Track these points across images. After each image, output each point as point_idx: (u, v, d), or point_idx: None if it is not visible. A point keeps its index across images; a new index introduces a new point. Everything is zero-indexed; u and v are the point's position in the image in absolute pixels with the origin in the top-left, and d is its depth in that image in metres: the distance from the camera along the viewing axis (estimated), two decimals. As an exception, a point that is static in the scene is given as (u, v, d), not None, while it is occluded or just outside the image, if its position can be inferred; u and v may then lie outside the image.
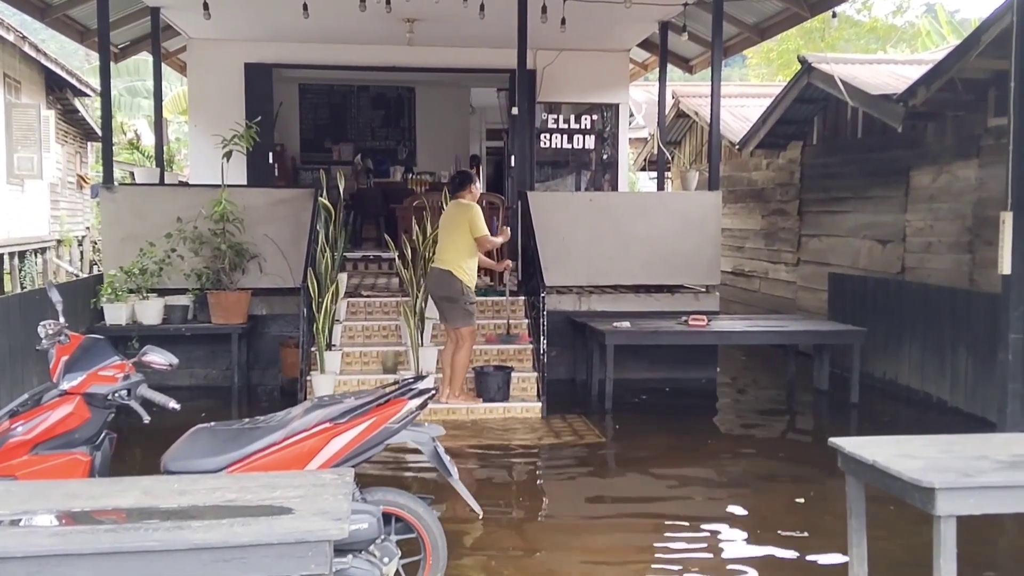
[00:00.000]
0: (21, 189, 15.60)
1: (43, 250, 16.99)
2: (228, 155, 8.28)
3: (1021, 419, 6.50)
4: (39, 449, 3.43)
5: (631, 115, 19.52)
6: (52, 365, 3.58)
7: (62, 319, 3.67)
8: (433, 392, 4.06)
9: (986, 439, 3.94)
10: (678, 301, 9.20)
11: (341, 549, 3.67)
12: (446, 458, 3.94)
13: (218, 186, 8.51)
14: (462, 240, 7.29)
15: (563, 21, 8.94)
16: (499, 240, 7.66)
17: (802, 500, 5.46)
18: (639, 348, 8.61)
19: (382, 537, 3.77)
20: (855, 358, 8.15)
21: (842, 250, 10.03)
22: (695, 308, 8.99)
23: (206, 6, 8.51)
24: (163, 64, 14.11)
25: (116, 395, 3.52)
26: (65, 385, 3.49)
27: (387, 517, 3.88)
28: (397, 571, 3.86)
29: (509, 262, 8.25)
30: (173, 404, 3.64)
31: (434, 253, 7.57)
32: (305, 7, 8.51)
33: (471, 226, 7.28)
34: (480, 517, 4.18)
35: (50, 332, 3.59)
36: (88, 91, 18.84)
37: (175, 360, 3.74)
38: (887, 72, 9.25)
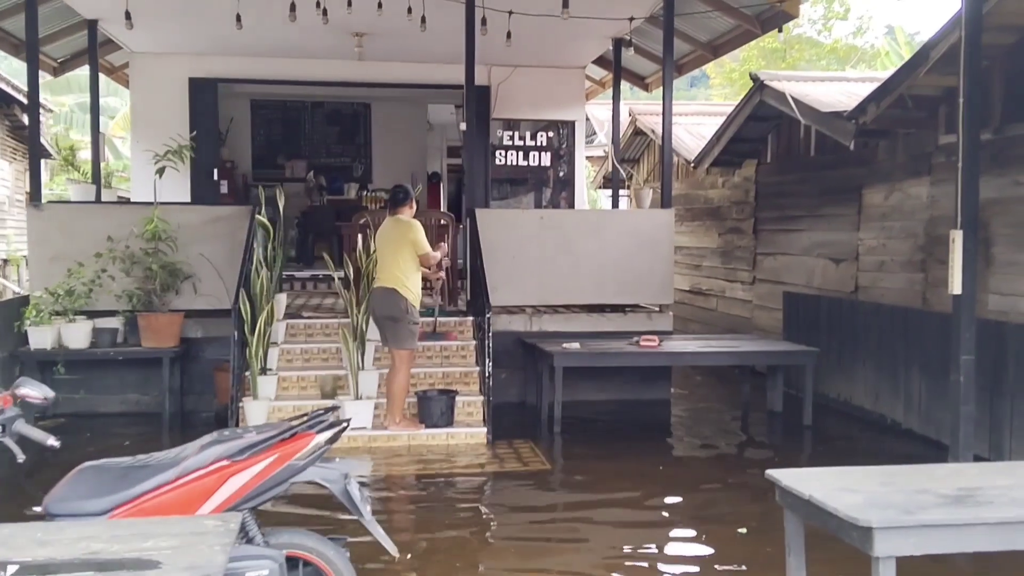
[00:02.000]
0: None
1: (-11, 270, 16.50)
2: (161, 171, 7.97)
3: (974, 442, 6.35)
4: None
5: (593, 133, 19.45)
6: (-83, 399, 3.26)
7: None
8: (345, 425, 3.78)
9: (930, 470, 3.72)
10: (631, 321, 9.00)
11: (240, 597, 3.40)
12: (358, 497, 3.65)
13: (151, 204, 8.18)
14: (404, 257, 7.06)
15: (508, 35, 8.75)
16: (439, 255, 7.42)
17: (744, 530, 5.24)
18: (591, 369, 8.39)
19: (286, 583, 3.49)
20: (808, 379, 7.98)
21: (797, 269, 9.90)
22: (649, 328, 8.80)
23: (128, 15, 8.20)
24: (111, 79, 13.86)
25: (-11, 431, 3.21)
26: (-69, 421, 3.18)
27: (295, 561, 3.61)
28: (305, 618, 3.59)
29: (442, 273, 8.04)
30: (52, 441, 3.33)
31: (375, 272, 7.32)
32: (238, 18, 8.23)
33: (414, 244, 7.07)
34: (395, 559, 3.89)
35: (-84, 363, 3.27)
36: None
37: (51, 393, 3.42)
38: (839, 90, 9.16)
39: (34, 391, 3.36)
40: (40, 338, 7.66)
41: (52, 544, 2.65)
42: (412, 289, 7.08)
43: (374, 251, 7.51)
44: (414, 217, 7.36)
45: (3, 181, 16.96)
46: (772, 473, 3.59)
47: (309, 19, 8.40)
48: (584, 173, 18.87)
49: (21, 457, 3.27)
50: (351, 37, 10.18)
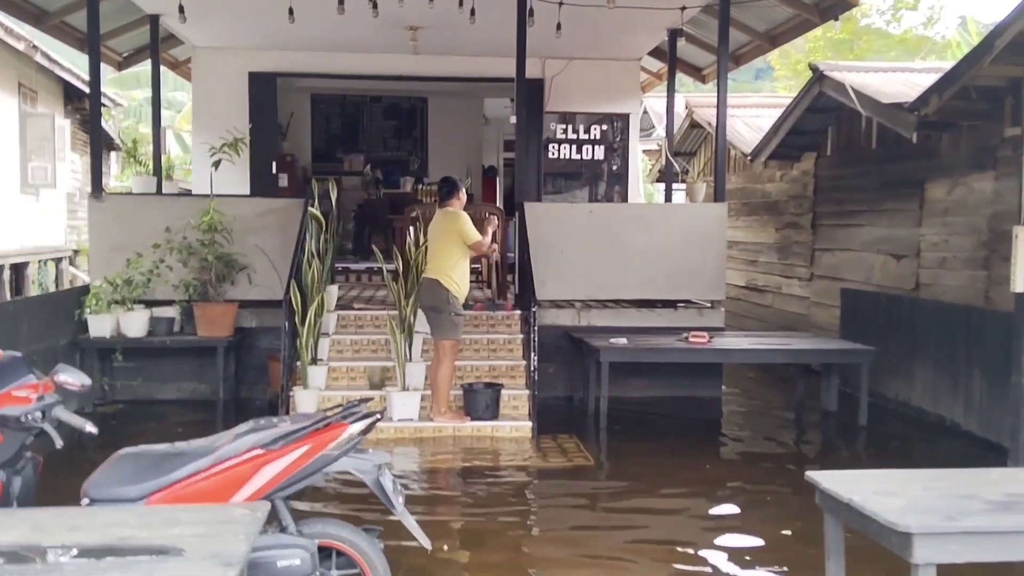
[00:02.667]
0: (36, 198, 15.60)
1: (59, 259, 17.02)
2: (217, 164, 8.12)
3: (1035, 446, 6.13)
4: (-50, 474, 3.21)
5: (651, 126, 19.26)
6: (-34, 384, 3.36)
7: (-20, 335, 3.45)
8: (378, 417, 3.80)
9: (980, 474, 3.59)
10: (681, 317, 8.89)
11: (271, 586, 3.44)
12: (390, 488, 3.66)
13: (208, 196, 8.33)
14: (450, 249, 7.09)
15: (558, 26, 8.67)
16: (490, 234, 7.37)
17: (788, 532, 5.13)
18: (640, 365, 8.28)
19: (318, 573, 3.52)
20: (863, 378, 7.78)
21: (855, 265, 9.65)
22: (699, 324, 8.67)
23: (182, 9, 8.34)
24: (175, 74, 14.17)
25: (29, 417, 3.29)
26: (-24, 406, 3.27)
27: (328, 551, 3.64)
28: (338, 608, 3.62)
29: (495, 245, 7.94)
30: (90, 428, 3.40)
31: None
32: (291, 11, 8.32)
33: (461, 234, 7.09)
34: (429, 551, 3.89)
35: (-36, 349, 3.37)
36: (107, 101, 18.90)
37: (88, 380, 3.50)
38: (902, 80, 8.88)
39: (72, 378, 3.44)
40: (99, 326, 7.87)
41: (83, 529, 2.72)
42: (456, 280, 7.09)
43: (424, 243, 7.54)
44: (464, 209, 7.37)
45: (74, 173, 17.47)
46: (812, 475, 3.50)
47: (360, 13, 8.46)
48: (640, 167, 18.75)
49: (59, 443, 3.35)
50: (405, 31, 10.23)
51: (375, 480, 3.66)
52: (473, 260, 9.55)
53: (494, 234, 7.53)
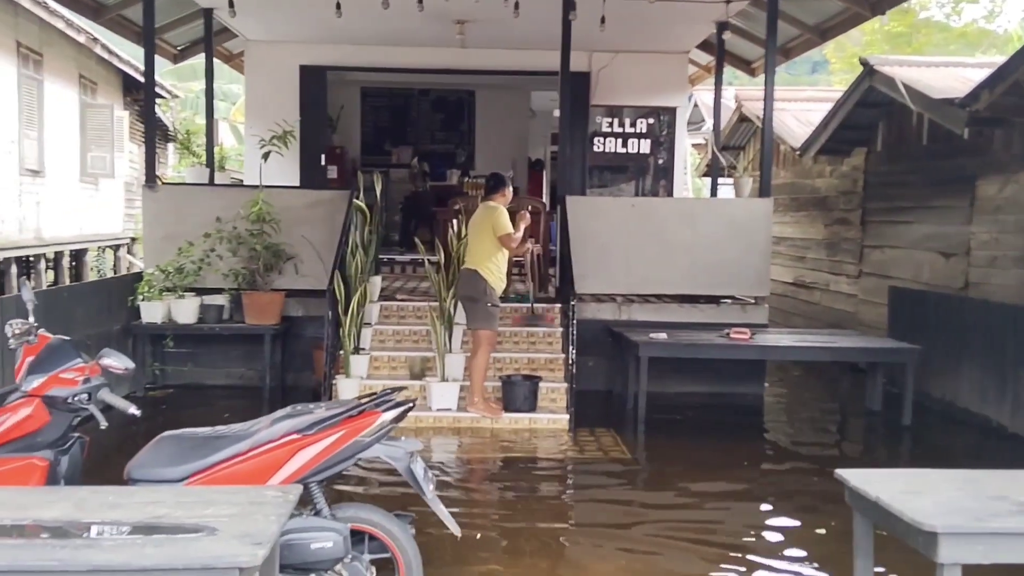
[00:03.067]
0: (96, 188, 16.04)
1: (116, 247, 17.49)
2: (266, 156, 8.28)
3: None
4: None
5: (701, 119, 19.10)
6: (17, 365, 3.51)
7: (32, 318, 3.60)
8: (411, 405, 3.88)
9: (1015, 476, 3.54)
10: (724, 313, 8.84)
11: (304, 568, 3.54)
12: (421, 475, 3.74)
13: (257, 187, 8.51)
14: (488, 241, 7.23)
15: (602, 20, 8.67)
16: (521, 229, 7.37)
17: (823, 531, 5.10)
18: (682, 361, 8.27)
19: (351, 556, 3.61)
20: (908, 378, 7.67)
21: (904, 262, 9.51)
22: (742, 320, 8.62)
23: (231, 3, 8.50)
24: (229, 67, 14.44)
25: (76, 399, 3.43)
26: (26, 387, 3.42)
27: (361, 535, 3.73)
28: (370, 592, 3.71)
29: (529, 245, 8.05)
30: (133, 410, 3.53)
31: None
32: (338, 6, 8.44)
33: (494, 226, 7.18)
34: (459, 538, 3.96)
35: (17, 331, 3.51)
36: (164, 92, 19.33)
37: (131, 364, 3.62)
38: (954, 75, 8.72)
39: (116, 362, 3.57)
40: (151, 313, 8.10)
41: (122, 507, 2.83)
42: (493, 271, 7.21)
43: (465, 235, 7.63)
44: (510, 205, 7.46)
45: (132, 163, 17.91)
46: (841, 473, 3.50)
47: (406, 6, 8.55)
48: (688, 161, 18.63)
49: (104, 424, 3.48)
50: (452, 24, 10.30)
51: (406, 467, 3.74)
52: (516, 255, 9.69)
53: (526, 229, 7.52)
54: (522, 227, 7.43)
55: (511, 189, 7.63)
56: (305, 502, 3.71)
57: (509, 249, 7.38)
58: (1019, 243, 7.64)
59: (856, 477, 3.43)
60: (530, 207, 9.77)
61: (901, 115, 9.60)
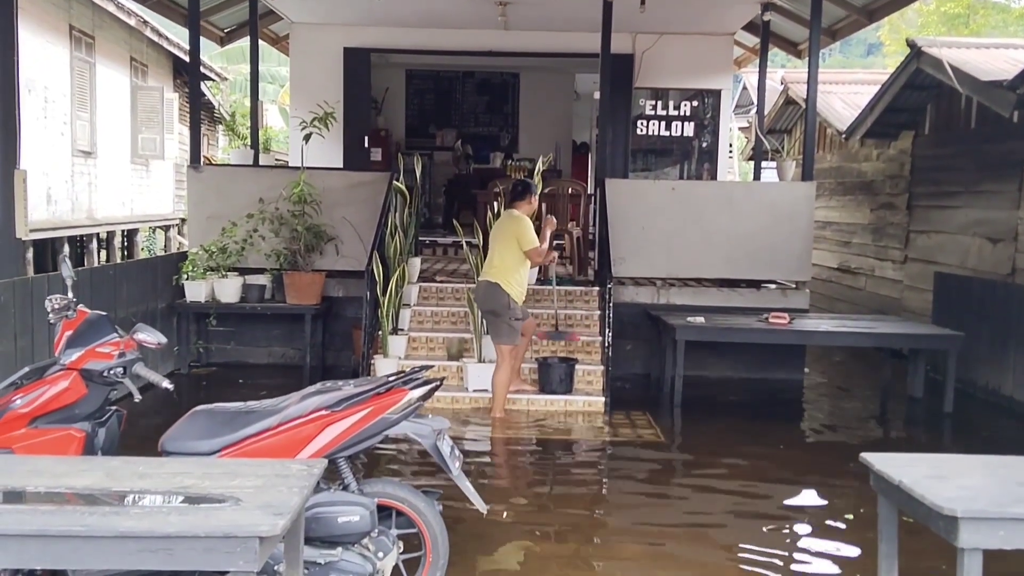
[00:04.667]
0: (146, 169, 16.39)
1: (167, 227, 17.86)
2: (307, 137, 8.38)
3: None
4: (38, 423, 3.48)
5: (750, 102, 18.85)
6: (56, 339, 3.64)
7: (71, 294, 3.71)
8: (438, 384, 3.93)
9: (1045, 463, 3.49)
10: (764, 297, 8.77)
11: (331, 541, 3.62)
12: (447, 452, 3.79)
13: (299, 168, 8.63)
14: (510, 253, 6.99)
15: (642, 1, 8.60)
16: (547, 237, 7.23)
17: (851, 516, 5.08)
18: (720, 345, 8.24)
19: (377, 531, 3.69)
20: (951, 365, 7.55)
21: (951, 248, 9.33)
22: (782, 305, 8.54)
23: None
24: (275, 49, 14.60)
25: (111, 372, 3.54)
26: (64, 360, 3.54)
27: (388, 511, 3.80)
28: (397, 566, 3.78)
29: (554, 254, 7.76)
30: (166, 384, 3.64)
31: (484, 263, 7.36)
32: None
33: (520, 240, 6.97)
34: (484, 515, 4.02)
35: (56, 306, 3.63)
36: (213, 75, 19.63)
37: (163, 339, 3.73)
38: (1005, 57, 8.50)
39: (150, 337, 3.68)
40: (195, 291, 8.27)
41: (151, 477, 2.93)
42: (515, 285, 6.97)
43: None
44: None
45: (182, 145, 18.23)
46: (866, 457, 3.48)
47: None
48: (735, 144, 18.41)
49: (137, 397, 3.60)
50: (495, 6, 10.30)
51: (433, 444, 3.80)
52: (556, 235, 9.69)
53: (552, 238, 7.39)
54: (548, 233, 7.28)
55: (537, 198, 7.42)
56: (334, 477, 3.80)
57: (535, 263, 7.23)
58: (1069, 229, 7.45)
59: (880, 461, 3.41)
60: (570, 189, 9.81)
61: (950, 98, 9.40)
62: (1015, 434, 7.15)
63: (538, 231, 7.19)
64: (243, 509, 2.64)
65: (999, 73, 7.83)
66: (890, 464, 3.38)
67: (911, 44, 9.19)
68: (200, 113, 9.51)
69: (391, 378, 3.85)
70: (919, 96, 9.83)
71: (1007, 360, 7.84)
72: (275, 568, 3.47)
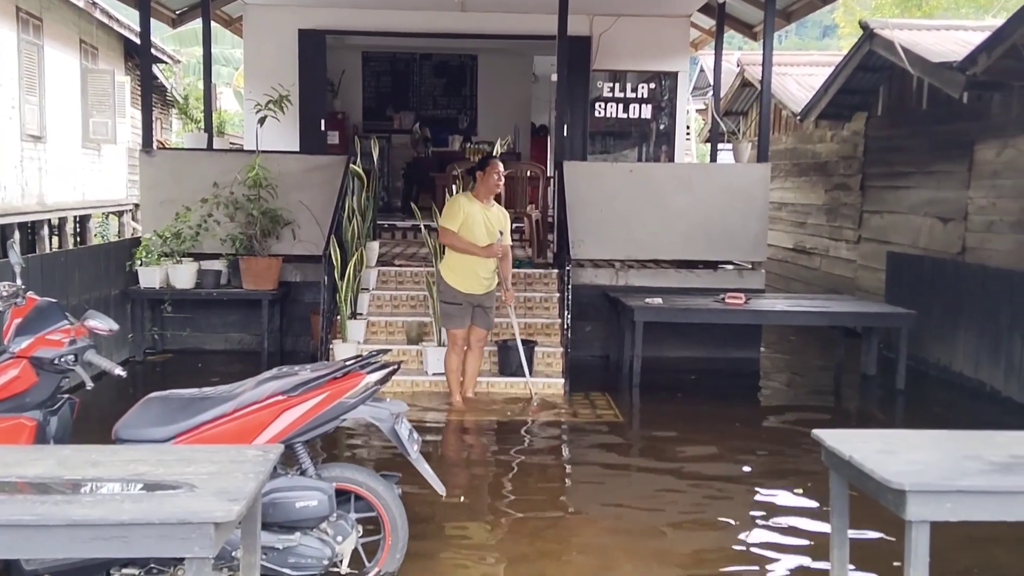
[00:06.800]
0: (98, 154, 16.07)
1: (120, 213, 17.55)
2: (262, 120, 8.27)
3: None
4: (-13, 411, 3.42)
5: (708, 85, 18.97)
6: (5, 327, 3.57)
7: (19, 281, 3.64)
8: (396, 368, 3.93)
9: (991, 436, 3.58)
10: (721, 278, 8.87)
11: (289, 526, 3.61)
12: (406, 436, 3.80)
13: (254, 152, 8.52)
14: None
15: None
16: (450, 231, 6.71)
17: (800, 491, 5.18)
18: (678, 326, 8.30)
19: (336, 515, 3.68)
20: (902, 342, 7.70)
21: (903, 228, 9.49)
22: (739, 285, 8.65)
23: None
24: (229, 31, 14.36)
25: (62, 360, 3.48)
26: (13, 348, 3.47)
27: (348, 495, 3.79)
28: (356, 549, 3.78)
29: (511, 295, 7.17)
30: (119, 371, 3.59)
31: None
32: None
33: (441, 219, 6.82)
34: (443, 497, 4.03)
35: (4, 294, 3.56)
36: (166, 58, 19.27)
37: (115, 326, 3.68)
38: (954, 39, 8.64)
39: (101, 323, 3.62)
40: (149, 278, 8.15)
41: (104, 465, 2.89)
42: (452, 269, 6.79)
43: None
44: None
45: (135, 130, 17.90)
46: (818, 433, 3.54)
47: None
48: (693, 127, 18.51)
49: (89, 384, 3.55)
50: (451, -13, 10.24)
51: (391, 428, 3.80)
52: (515, 219, 9.68)
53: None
54: (477, 250, 6.73)
55: (493, 176, 6.82)
56: (292, 462, 3.79)
57: (443, 242, 6.83)
58: (1016, 208, 7.62)
59: (831, 437, 3.47)
60: (529, 172, 9.81)
61: (901, 79, 9.54)
62: (965, 409, 7.33)
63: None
64: (198, 495, 2.62)
65: (949, 54, 7.97)
66: (841, 440, 3.44)
67: (864, 26, 9.31)
68: (152, 96, 9.34)
69: (348, 362, 3.84)
70: (872, 78, 9.96)
71: (957, 337, 8.02)
72: (233, 554, 3.45)
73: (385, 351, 4.11)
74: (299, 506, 3.57)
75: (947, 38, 8.73)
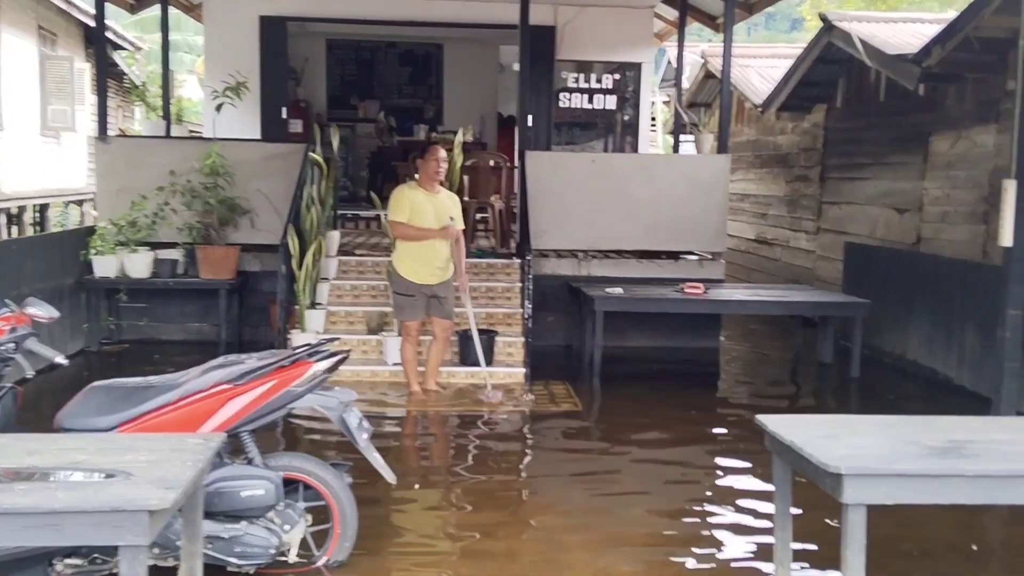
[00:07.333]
0: (58, 142, 15.81)
1: (81, 202, 17.28)
2: (219, 107, 8.19)
3: (1018, 399, 6.17)
4: (-75, 401, 3.37)
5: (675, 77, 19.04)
6: (-56, 316, 3.51)
7: (-42, 270, 3.59)
8: (345, 356, 3.92)
9: (931, 421, 3.65)
10: (682, 268, 8.92)
11: (236, 515, 3.60)
12: (354, 424, 3.79)
13: (211, 139, 8.43)
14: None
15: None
16: (399, 220, 6.67)
17: (755, 475, 5.24)
18: (640, 316, 8.36)
19: (283, 504, 3.67)
20: (857, 331, 7.81)
21: (861, 218, 9.60)
22: (700, 276, 8.71)
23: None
24: (190, 17, 14.17)
25: (2, 348, 3.43)
26: (-49, 337, 3.42)
27: (297, 484, 3.78)
28: (305, 539, 3.77)
29: (465, 282, 7.12)
30: (60, 359, 3.55)
31: None
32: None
33: (389, 213, 6.75)
34: (393, 486, 4.03)
35: (-58, 283, 3.51)
36: (127, 45, 18.98)
37: (56, 313, 3.64)
38: (912, 32, 8.73)
39: (41, 311, 3.58)
40: (104, 267, 8.04)
41: (41, 453, 2.86)
42: (403, 260, 6.75)
43: None
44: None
45: (94, 117, 17.62)
46: (761, 418, 3.59)
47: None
48: (659, 118, 18.55)
49: (30, 372, 3.50)
50: (415, -26, 10.18)
51: (339, 417, 3.79)
52: (479, 208, 9.67)
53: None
54: (432, 235, 6.71)
55: (432, 163, 6.77)
56: (238, 451, 3.77)
57: (395, 235, 6.76)
58: (969, 199, 7.73)
59: (774, 422, 3.52)
60: (492, 161, 9.79)
61: (860, 71, 9.63)
62: (917, 397, 7.45)
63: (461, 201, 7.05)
64: (134, 483, 2.60)
65: (906, 47, 8.05)
66: (783, 425, 3.49)
67: (823, 18, 9.39)
68: (107, 82, 9.21)
69: (297, 351, 3.83)
70: (832, 70, 10.05)
71: (912, 326, 8.13)
72: (177, 543, 3.43)
73: (334, 339, 4.09)
74: (245, 495, 3.56)
75: (905, 31, 8.82)
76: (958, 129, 7.89)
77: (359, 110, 15.00)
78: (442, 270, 6.82)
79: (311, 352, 3.81)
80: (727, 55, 8.76)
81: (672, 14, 12.86)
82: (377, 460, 3.88)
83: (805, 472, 3.24)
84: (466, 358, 7.50)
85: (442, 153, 6.86)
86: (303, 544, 3.74)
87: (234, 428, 3.60)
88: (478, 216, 9.76)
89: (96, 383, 3.61)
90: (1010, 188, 5.73)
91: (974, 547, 4.41)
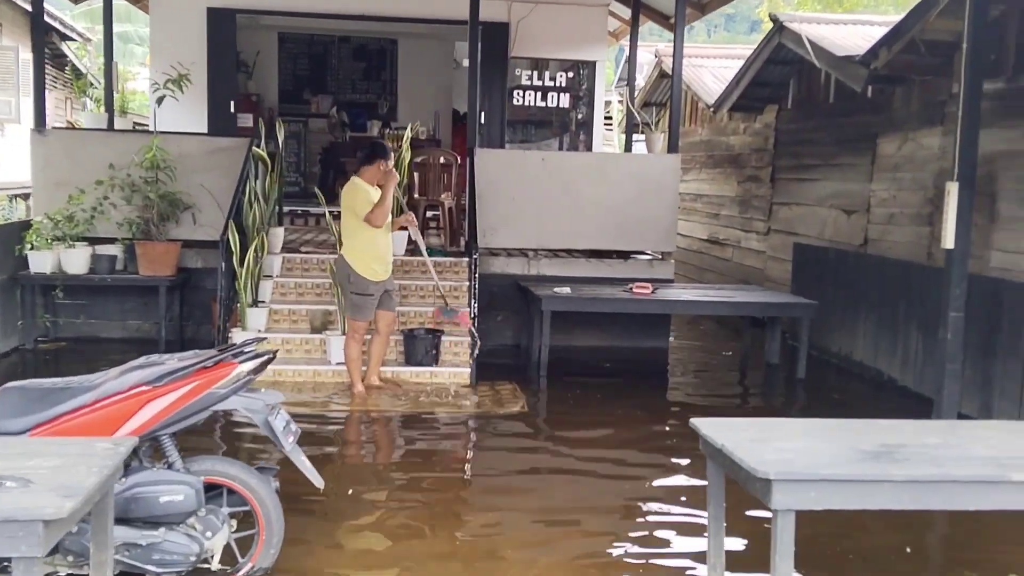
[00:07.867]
0: (1, 134, 15.40)
1: (27, 196, 16.84)
2: (160, 100, 8.00)
3: (964, 401, 6.23)
4: None
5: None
6: None
7: None
8: (271, 357, 3.80)
9: (866, 426, 3.62)
10: (632, 268, 8.89)
11: (154, 522, 3.47)
12: (280, 428, 3.67)
13: (152, 133, 8.23)
14: (350, 224, 6.67)
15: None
16: (385, 207, 6.65)
17: (696, 476, 5.21)
18: (589, 316, 8.31)
19: (205, 509, 3.55)
20: (804, 332, 7.83)
21: (810, 219, 9.65)
22: (649, 276, 8.68)
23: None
24: (137, 8, 13.88)
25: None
26: None
27: (221, 490, 3.66)
28: (229, 545, 3.65)
29: (410, 215, 7.37)
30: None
31: None
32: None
33: (355, 209, 6.63)
34: (321, 491, 3.92)
35: None
36: (75, 36, 18.56)
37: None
38: (861, 34, 8.78)
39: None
40: (40, 262, 7.81)
41: (-65, 458, 2.72)
42: (360, 257, 6.65)
43: None
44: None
45: (41, 109, 17.19)
46: (695, 422, 3.55)
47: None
48: (615, 117, 18.57)
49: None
50: (367, -32, 10.03)
51: (264, 420, 3.67)
52: (430, 206, 9.57)
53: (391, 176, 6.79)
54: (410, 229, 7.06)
55: (390, 163, 6.77)
56: (157, 455, 3.64)
57: (379, 224, 6.66)
58: (914, 201, 7.79)
59: (707, 425, 3.48)
60: (442, 159, 9.69)
61: (810, 73, 9.68)
62: (862, 398, 7.48)
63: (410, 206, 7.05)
64: (31, 491, 2.48)
65: (854, 48, 8.09)
66: (715, 428, 3.44)
67: (774, 19, 9.42)
68: (45, 71, 8.94)
69: (220, 351, 3.70)
70: (782, 71, 10.09)
71: (858, 327, 8.18)
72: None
73: (261, 339, 3.97)
74: (163, 500, 3.43)
75: (855, 33, 8.86)
76: (904, 131, 7.94)
77: (312, 105, 14.80)
78: (391, 263, 6.89)
79: (236, 353, 3.69)
80: (678, 54, 8.75)
81: (626, 13, 12.83)
82: (304, 464, 3.77)
83: (736, 476, 3.19)
84: (411, 358, 7.40)
85: (389, 164, 6.79)
86: (227, 551, 3.63)
87: (154, 431, 3.47)
88: (428, 214, 9.66)
89: (10, 384, 3.46)
90: (953, 191, 5.76)
91: (908, 549, 4.40)
